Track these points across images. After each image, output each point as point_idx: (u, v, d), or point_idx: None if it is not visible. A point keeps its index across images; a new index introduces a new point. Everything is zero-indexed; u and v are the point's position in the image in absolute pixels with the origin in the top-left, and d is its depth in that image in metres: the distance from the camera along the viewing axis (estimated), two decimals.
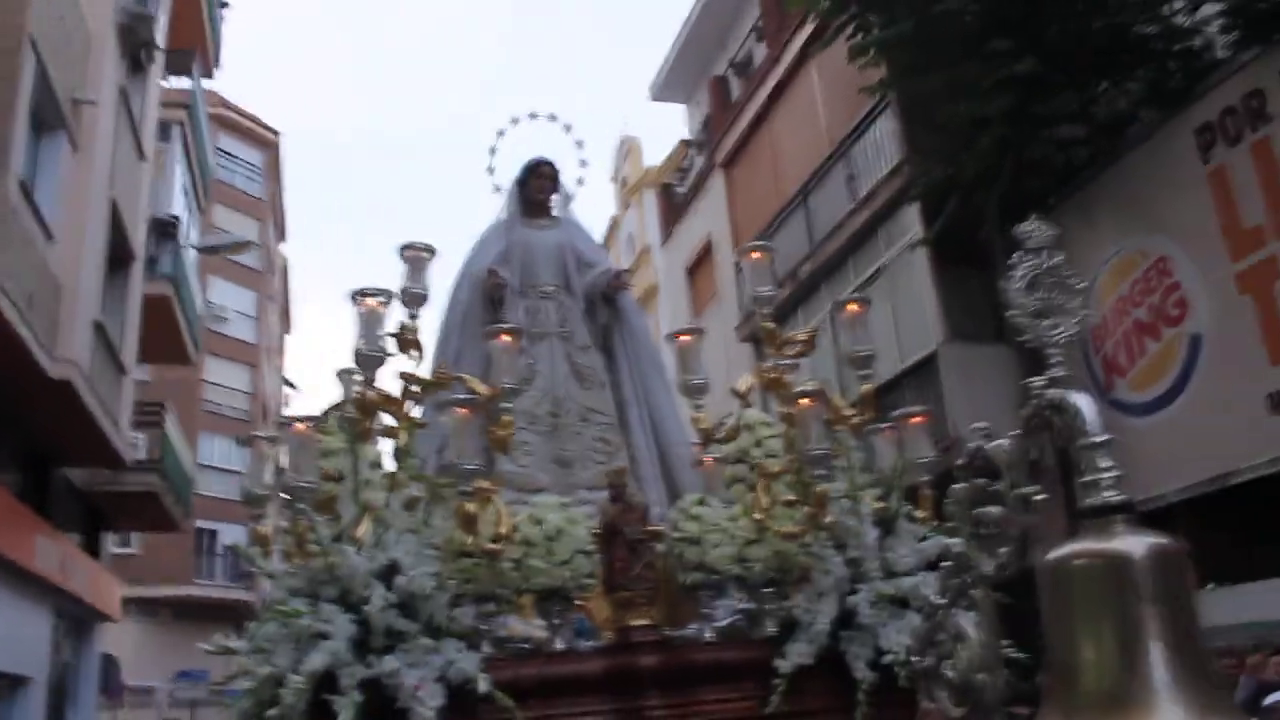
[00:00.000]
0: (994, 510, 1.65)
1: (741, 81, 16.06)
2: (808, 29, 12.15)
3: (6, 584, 9.23)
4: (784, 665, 3.33)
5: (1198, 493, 7.98)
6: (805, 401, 3.57)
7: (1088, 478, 1.50)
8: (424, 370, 3.55)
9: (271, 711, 2.78)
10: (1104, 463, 1.50)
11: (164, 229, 14.22)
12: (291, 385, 33.42)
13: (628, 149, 22.21)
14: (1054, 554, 1.47)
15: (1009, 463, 1.62)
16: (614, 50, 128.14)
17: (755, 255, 4.01)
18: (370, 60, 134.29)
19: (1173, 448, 8.23)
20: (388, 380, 3.31)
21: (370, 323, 3.09)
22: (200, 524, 22.74)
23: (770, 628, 3.64)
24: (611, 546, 3.56)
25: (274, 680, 2.87)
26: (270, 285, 30.25)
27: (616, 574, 3.58)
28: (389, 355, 3.17)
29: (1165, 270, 8.51)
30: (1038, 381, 1.56)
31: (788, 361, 3.96)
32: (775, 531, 3.63)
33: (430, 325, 4.95)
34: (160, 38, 13.38)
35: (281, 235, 33.17)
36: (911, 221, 10.83)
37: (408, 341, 3.25)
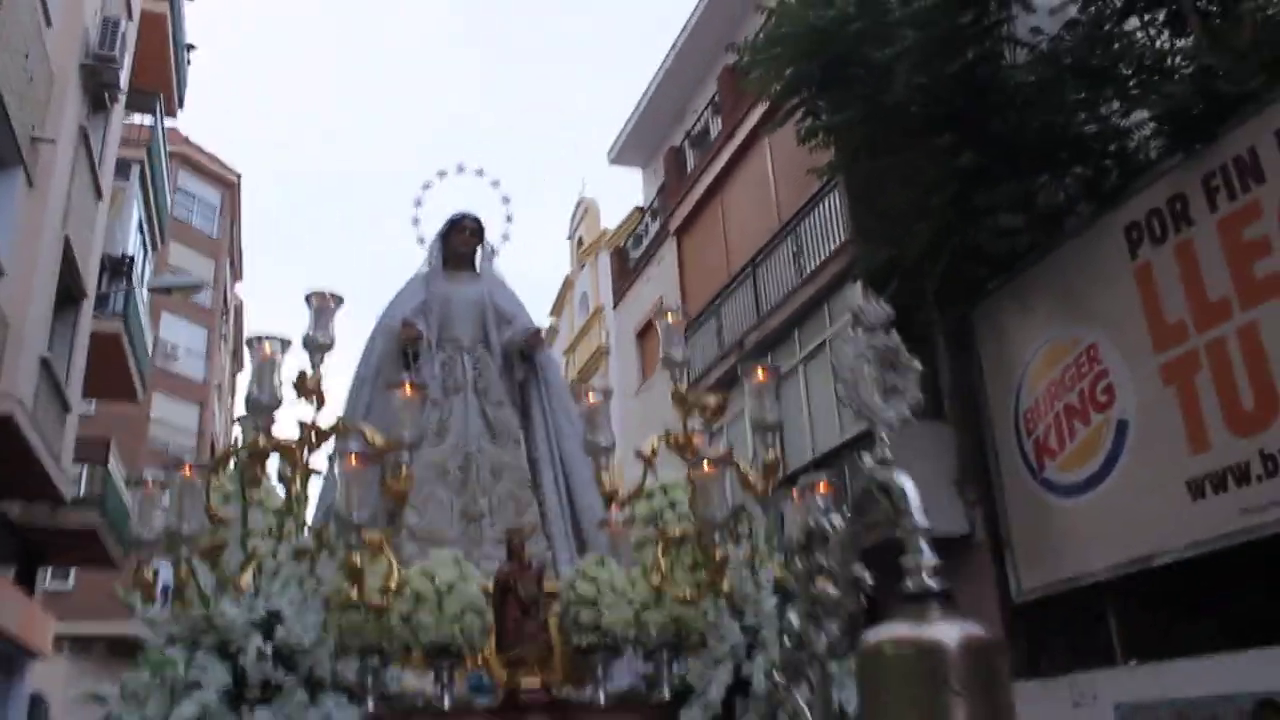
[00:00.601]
0: (829, 589, 1.67)
1: (697, 153, 16.35)
2: (761, 108, 12.42)
3: None
4: None
5: (1123, 572, 8.09)
6: (709, 467, 3.59)
7: (909, 561, 1.50)
8: (330, 419, 3.52)
9: None
10: (926, 547, 1.51)
11: (117, 267, 14.05)
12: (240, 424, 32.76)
13: (585, 209, 22.44)
14: (868, 637, 1.46)
15: (840, 542, 1.64)
16: (582, 107, 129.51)
17: (670, 318, 4.06)
18: (328, 117, 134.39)
19: (1099, 527, 8.37)
20: (290, 427, 3.29)
21: (265, 369, 3.07)
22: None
23: (665, 693, 3.61)
24: (504, 605, 3.53)
25: None
26: (223, 324, 29.86)
27: (509, 633, 3.54)
28: (282, 402, 3.14)
29: (1095, 358, 8.71)
30: (867, 460, 1.58)
31: (701, 428, 4.00)
32: (673, 596, 3.62)
33: (341, 374, 4.93)
34: (124, 78, 13.34)
35: (238, 275, 32.89)
36: (855, 299, 11.01)
37: (307, 389, 3.22)
